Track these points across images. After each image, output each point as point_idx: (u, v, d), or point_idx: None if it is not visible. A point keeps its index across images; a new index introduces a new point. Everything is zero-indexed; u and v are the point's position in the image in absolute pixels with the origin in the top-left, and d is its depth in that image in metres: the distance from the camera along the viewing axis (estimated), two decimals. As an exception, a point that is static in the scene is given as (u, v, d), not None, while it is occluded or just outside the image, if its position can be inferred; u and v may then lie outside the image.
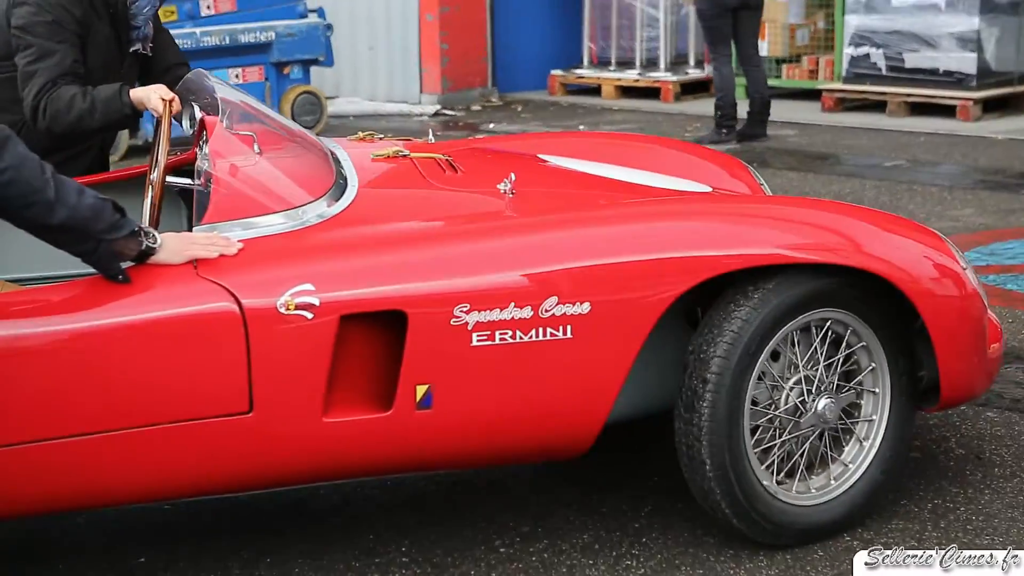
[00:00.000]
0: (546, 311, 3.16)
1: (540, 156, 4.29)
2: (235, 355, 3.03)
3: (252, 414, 3.04)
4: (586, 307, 3.17)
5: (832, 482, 3.32)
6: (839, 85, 9.77)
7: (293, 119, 7.84)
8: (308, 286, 3.05)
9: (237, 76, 8.44)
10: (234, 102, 3.57)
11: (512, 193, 3.46)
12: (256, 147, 3.34)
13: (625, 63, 11.07)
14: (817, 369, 3.28)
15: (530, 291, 3.17)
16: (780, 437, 3.28)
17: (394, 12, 10.44)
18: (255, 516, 3.47)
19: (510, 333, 3.14)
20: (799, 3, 10.29)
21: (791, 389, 3.27)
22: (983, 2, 9.10)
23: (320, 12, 8.81)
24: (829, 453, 3.36)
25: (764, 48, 9.65)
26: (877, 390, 3.38)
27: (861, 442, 3.35)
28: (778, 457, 3.30)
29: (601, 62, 11.18)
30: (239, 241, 3.09)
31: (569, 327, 3.14)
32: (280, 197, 3.31)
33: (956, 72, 9.30)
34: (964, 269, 3.45)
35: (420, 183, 3.69)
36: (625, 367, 3.22)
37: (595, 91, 10.31)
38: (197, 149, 3.42)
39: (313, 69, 8.84)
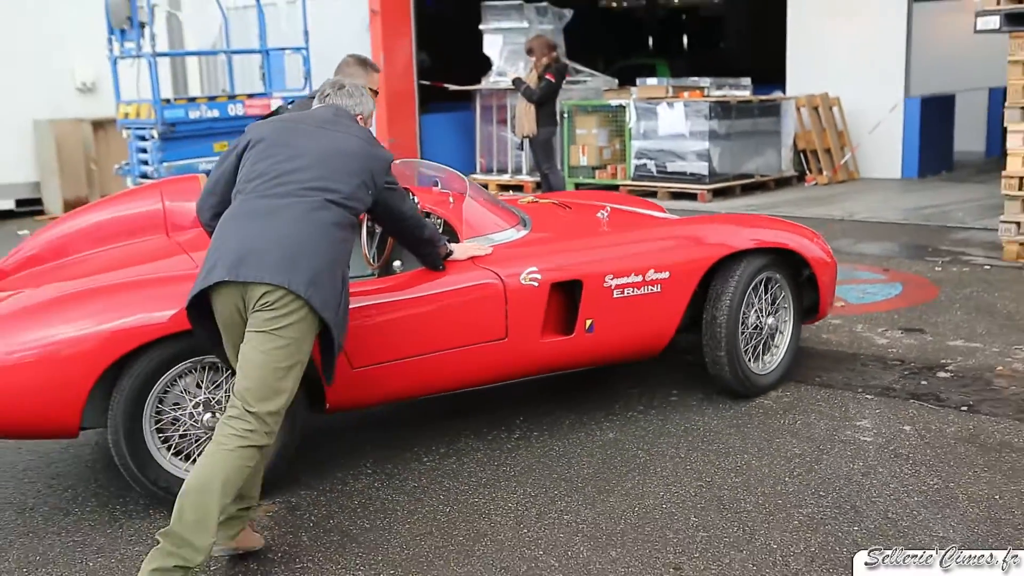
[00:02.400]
0: (648, 277, 4.54)
1: (594, 202, 5.56)
2: (499, 307, 4.19)
3: (507, 339, 4.28)
4: (666, 274, 4.55)
5: (772, 360, 4.93)
6: (629, 182, 11.92)
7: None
8: (534, 268, 4.31)
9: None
10: (457, 176, 4.76)
11: (607, 218, 4.91)
12: (470, 196, 4.48)
13: (501, 170, 13.39)
14: (765, 302, 4.78)
15: (640, 267, 4.50)
16: (752, 340, 4.82)
17: None
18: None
19: (631, 290, 4.51)
20: (605, 135, 12.32)
21: (755, 314, 4.73)
22: (711, 133, 11.44)
23: None
24: (770, 344, 4.91)
25: (583, 160, 12.18)
26: (789, 311, 4.95)
27: (782, 337, 4.95)
28: (751, 348, 4.81)
29: (487, 169, 13.49)
30: (490, 247, 4.29)
31: (659, 286, 4.55)
32: (500, 224, 4.56)
33: (696, 173, 11.59)
34: (829, 249, 5.06)
35: (558, 214, 5.16)
36: (683, 307, 4.63)
37: (485, 186, 11.21)
38: (448, 200, 4.49)
39: None
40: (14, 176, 12.23)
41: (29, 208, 12.43)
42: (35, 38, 11.98)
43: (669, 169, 11.89)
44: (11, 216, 12.32)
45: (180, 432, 3.84)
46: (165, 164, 10.53)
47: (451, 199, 4.54)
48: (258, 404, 3.22)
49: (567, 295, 4.43)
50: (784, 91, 13.31)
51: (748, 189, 12.05)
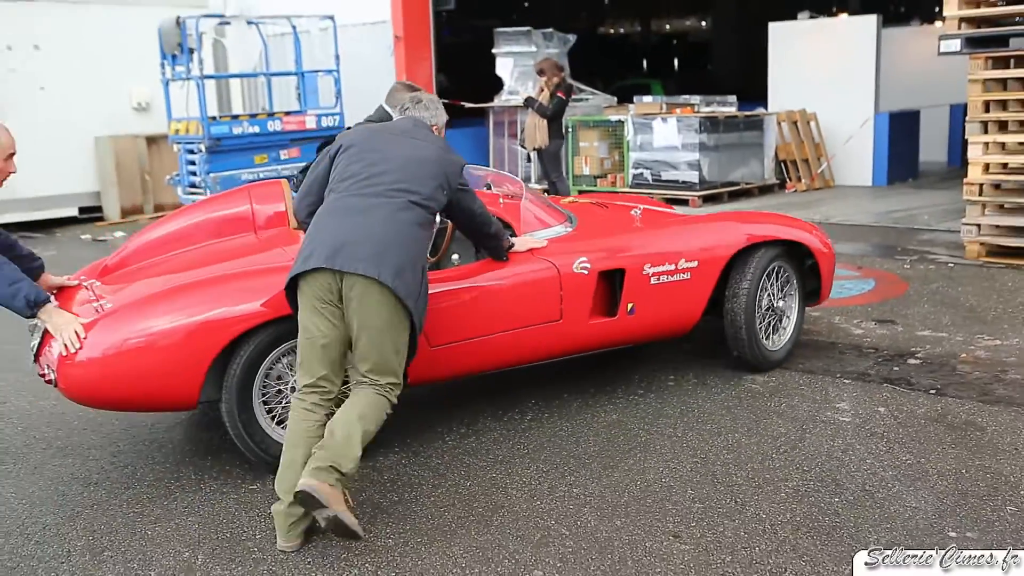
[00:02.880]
0: (680, 266, 4.67)
1: (627, 202, 5.71)
2: (555, 293, 4.29)
3: (562, 321, 4.38)
4: (695, 263, 4.70)
5: (782, 339, 5.03)
6: (628, 189, 11.71)
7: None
8: (584, 258, 4.43)
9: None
10: (512, 179, 4.86)
11: (640, 215, 5.03)
12: (526, 197, 4.59)
13: (513, 180, 13.56)
14: (775, 288, 4.93)
15: (673, 257, 4.66)
16: (766, 319, 4.95)
17: None
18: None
19: (666, 277, 4.63)
20: (605, 147, 12.27)
21: (767, 298, 4.88)
22: (701, 145, 11.41)
23: None
24: (780, 325, 5.03)
25: (586, 170, 12.13)
26: (795, 296, 5.06)
27: (789, 319, 5.06)
28: (765, 326, 4.92)
29: (500, 179, 13.67)
30: (545, 240, 4.45)
31: (689, 273, 4.68)
32: (551, 220, 4.66)
33: (688, 181, 11.54)
34: (829, 240, 5.18)
35: (597, 212, 5.25)
36: (709, 292, 4.78)
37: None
38: (500, 201, 4.52)
39: None
40: (77, 187, 12.28)
41: (90, 215, 12.48)
42: (96, 65, 12.03)
43: (663, 178, 11.86)
44: (75, 222, 12.35)
45: (282, 404, 3.91)
46: (212, 175, 10.55)
47: (502, 200, 4.57)
48: (380, 376, 3.42)
49: (610, 282, 4.53)
50: (767, 107, 13.28)
51: (734, 195, 12.00)
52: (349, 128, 4.47)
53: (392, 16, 12.64)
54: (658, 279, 4.58)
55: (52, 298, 3.79)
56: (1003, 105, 7.81)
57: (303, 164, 6.17)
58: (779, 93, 13.25)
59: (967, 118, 7.85)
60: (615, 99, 13.86)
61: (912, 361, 5.26)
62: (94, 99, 12.07)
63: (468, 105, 13.35)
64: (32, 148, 11.45)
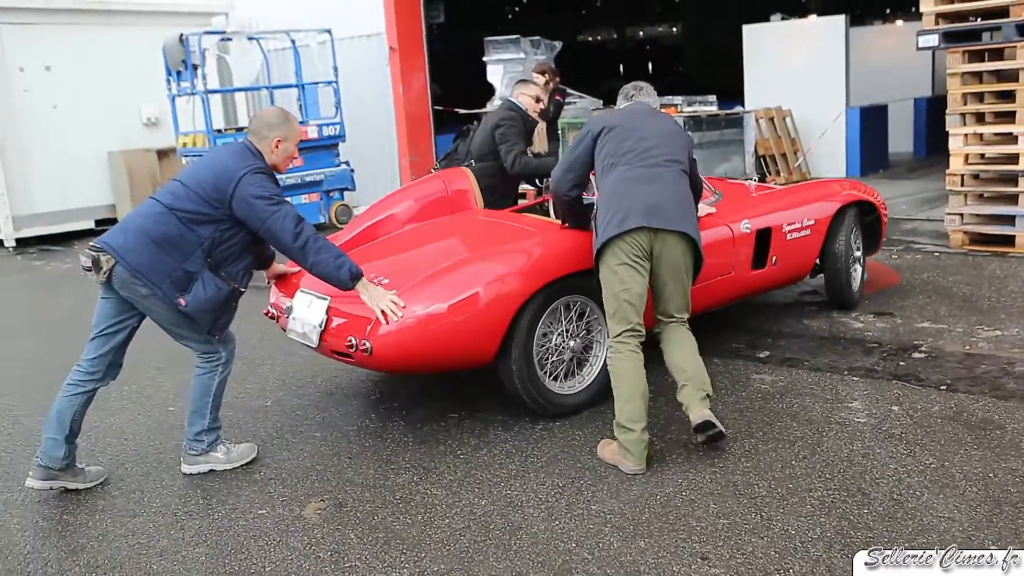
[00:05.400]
0: (803, 223, 5.19)
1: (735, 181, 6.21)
2: (729, 250, 4.73)
3: (732, 273, 4.79)
4: (813, 221, 5.24)
5: (856, 279, 5.51)
6: None
7: (336, 223, 9.98)
8: (747, 222, 4.88)
9: (305, 198, 10.11)
10: None
11: (754, 188, 5.44)
12: None
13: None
14: (858, 239, 5.51)
15: (800, 217, 5.17)
16: (853, 266, 5.44)
17: (387, 159, 12.13)
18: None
19: (796, 233, 5.14)
20: None
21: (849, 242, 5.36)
22: None
23: (347, 162, 10.61)
24: (860, 256, 5.56)
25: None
26: (860, 246, 5.58)
27: (859, 264, 5.52)
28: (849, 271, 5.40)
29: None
30: (713, 207, 4.79)
31: (809, 230, 5.20)
32: (707, 195, 4.92)
33: None
34: (882, 199, 5.71)
35: (725, 186, 5.55)
36: (821, 243, 5.30)
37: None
38: None
39: (345, 192, 10.56)
40: (93, 200, 11.82)
41: (105, 227, 11.94)
42: (106, 83, 11.65)
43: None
44: (91, 234, 11.82)
45: (551, 360, 4.11)
46: (219, 185, 9.98)
47: None
48: (685, 312, 3.86)
49: (764, 238, 4.96)
50: (743, 105, 12.88)
51: (717, 190, 11.63)
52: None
53: (386, 29, 12.23)
54: (791, 235, 5.09)
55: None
56: (980, 97, 7.38)
57: (445, 151, 6.85)
58: (754, 91, 12.87)
59: (947, 111, 7.41)
60: (601, 102, 13.40)
61: (917, 355, 4.84)
62: (106, 116, 11.68)
63: (462, 111, 12.95)
64: (48, 165, 11.29)
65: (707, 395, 3.70)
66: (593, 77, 23.10)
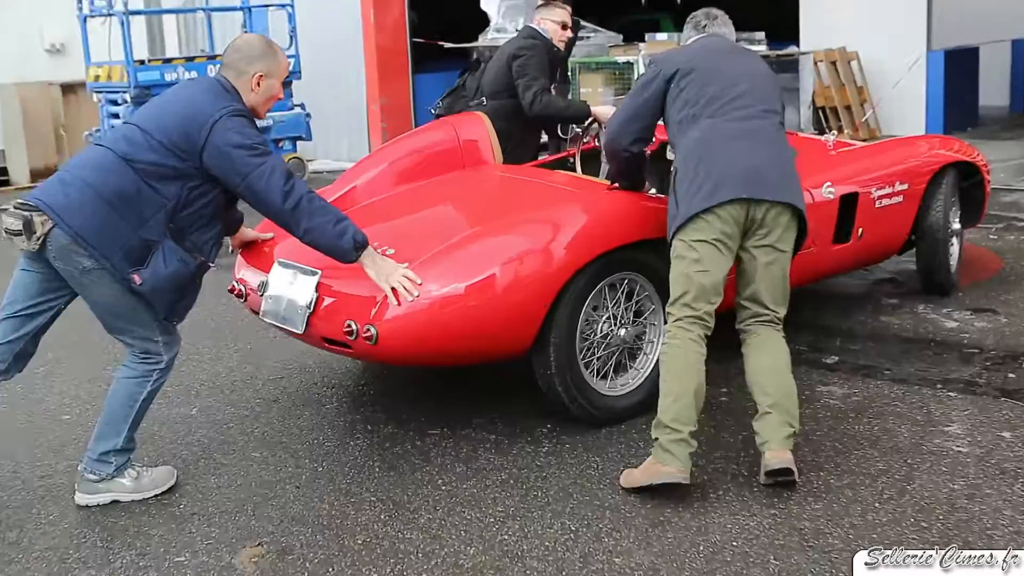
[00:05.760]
0: (896, 188, 5.23)
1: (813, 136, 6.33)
2: (809, 220, 4.06)
3: (813, 248, 4.64)
4: (906, 186, 5.27)
5: (954, 256, 5.61)
6: None
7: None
8: (829, 184, 4.89)
9: (247, 150, 10.28)
10: None
11: (832, 145, 5.42)
12: None
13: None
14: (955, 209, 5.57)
15: (891, 180, 5.20)
16: (950, 241, 5.52)
17: (352, 103, 12.08)
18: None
19: (885, 200, 5.17)
20: (611, 92, 11.21)
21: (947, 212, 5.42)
22: None
23: (302, 105, 10.23)
24: (959, 230, 5.64)
25: None
26: (957, 215, 5.64)
27: (957, 238, 5.61)
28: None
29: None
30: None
31: (902, 196, 5.24)
32: None
33: None
34: (986, 160, 5.82)
35: (800, 140, 5.58)
36: (914, 213, 5.34)
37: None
38: None
39: (299, 142, 10.31)
40: (-25, 145, 11.77)
41: (-10, 179, 11.84)
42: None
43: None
44: (-27, 189, 11.66)
45: (597, 354, 4.07)
46: (139, 130, 9.77)
47: None
48: (780, 307, 3.75)
49: (848, 208, 4.95)
50: (799, 45, 12.68)
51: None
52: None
53: (356, -59, 12.03)
54: (881, 203, 5.07)
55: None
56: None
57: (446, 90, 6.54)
58: (813, 29, 12.62)
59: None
60: (621, 37, 13.19)
61: (1029, 365, 4.66)
62: (-3, 39, 11.58)
63: (448, 45, 12.75)
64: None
65: (793, 432, 3.59)
66: (609, 7, 22.92)
